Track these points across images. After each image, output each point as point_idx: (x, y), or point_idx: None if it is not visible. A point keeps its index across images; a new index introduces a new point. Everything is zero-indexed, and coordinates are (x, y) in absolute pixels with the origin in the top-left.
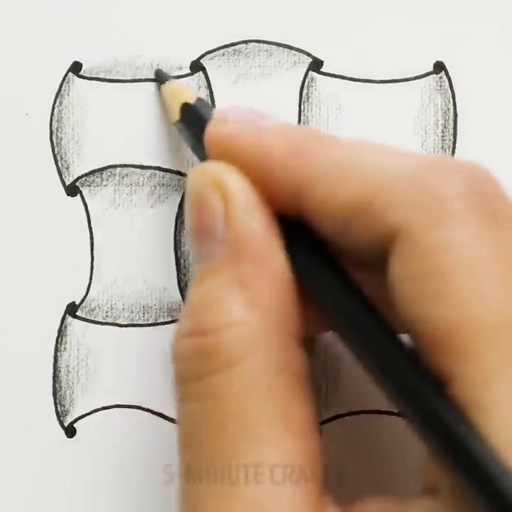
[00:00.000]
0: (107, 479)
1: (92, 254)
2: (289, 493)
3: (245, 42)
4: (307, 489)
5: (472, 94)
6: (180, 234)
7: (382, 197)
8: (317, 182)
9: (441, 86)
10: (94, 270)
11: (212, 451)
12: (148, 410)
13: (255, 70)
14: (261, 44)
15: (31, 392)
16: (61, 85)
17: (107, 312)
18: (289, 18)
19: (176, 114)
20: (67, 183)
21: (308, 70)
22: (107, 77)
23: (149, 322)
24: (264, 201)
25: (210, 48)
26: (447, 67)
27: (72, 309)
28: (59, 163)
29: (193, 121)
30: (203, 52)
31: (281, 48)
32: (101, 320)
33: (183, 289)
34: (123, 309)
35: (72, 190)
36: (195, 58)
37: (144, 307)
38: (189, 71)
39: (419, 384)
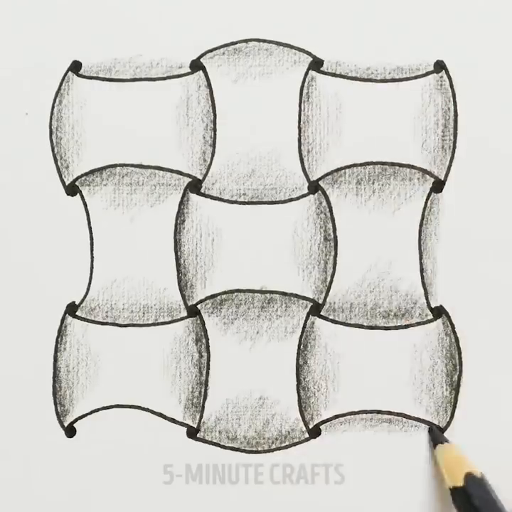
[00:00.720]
0: (106, 479)
1: (92, 254)
2: None
3: (245, 41)
4: None
5: (472, 93)
6: (180, 234)
7: None
8: None
9: (441, 85)
10: (94, 270)
11: None
12: (148, 410)
13: (255, 69)
14: (261, 43)
15: (31, 392)
16: (61, 84)
17: (106, 312)
18: (289, 18)
19: (457, 480)
20: (67, 182)
21: (308, 70)
22: (107, 77)
23: (149, 322)
24: None
25: (210, 47)
26: (448, 67)
27: (72, 309)
28: (59, 163)
29: (477, 493)
30: (203, 51)
31: (281, 47)
32: (101, 320)
33: (183, 289)
34: (123, 309)
35: (72, 189)
36: (195, 57)
37: (143, 307)
38: (189, 70)
39: None
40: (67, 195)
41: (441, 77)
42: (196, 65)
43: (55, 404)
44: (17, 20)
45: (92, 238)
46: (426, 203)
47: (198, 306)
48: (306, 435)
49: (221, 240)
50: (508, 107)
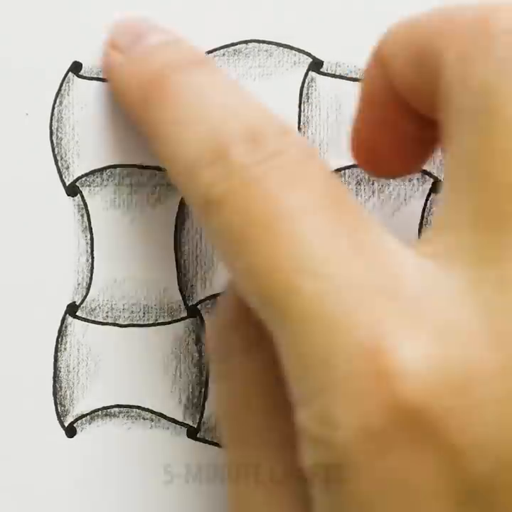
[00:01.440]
0: (106, 479)
1: (92, 254)
2: None
3: (245, 42)
4: None
5: None
6: (180, 234)
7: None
8: None
9: None
10: (94, 270)
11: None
12: (148, 410)
13: (255, 70)
14: (261, 44)
15: (31, 392)
16: (61, 85)
17: (107, 312)
18: (289, 18)
19: None
20: (67, 183)
21: (308, 70)
22: None
23: (149, 322)
24: None
25: (210, 48)
26: None
27: (72, 309)
28: (59, 163)
29: None
30: (202, 51)
31: (281, 48)
32: (101, 320)
33: (183, 289)
34: (123, 309)
35: (72, 190)
36: None
37: (144, 307)
38: None
39: None
40: (68, 195)
41: None
42: None
43: (55, 404)
44: (17, 20)
45: (92, 238)
46: (425, 203)
47: (198, 307)
48: None
49: None
50: None
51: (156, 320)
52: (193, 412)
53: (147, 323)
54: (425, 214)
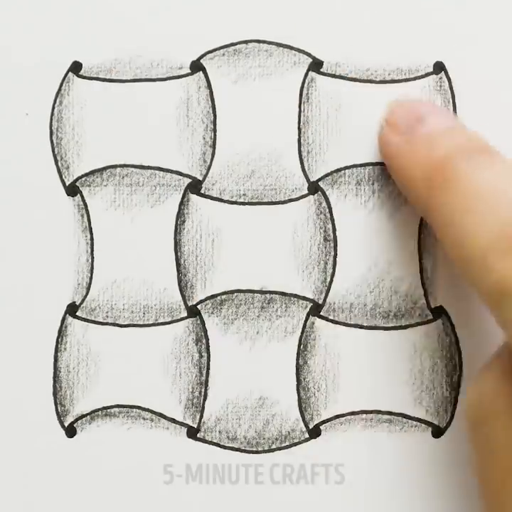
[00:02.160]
0: (106, 479)
1: (92, 254)
2: None
3: (245, 42)
4: None
5: (472, 94)
6: (180, 234)
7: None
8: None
9: (441, 86)
10: (94, 270)
11: None
12: (148, 410)
13: (255, 70)
14: (261, 44)
15: (31, 392)
16: (61, 85)
17: (107, 312)
18: (289, 18)
19: None
20: (67, 183)
21: (308, 70)
22: (107, 77)
23: (149, 322)
24: None
25: (210, 48)
26: (447, 68)
27: (72, 309)
28: (59, 163)
29: None
30: (203, 52)
31: (281, 48)
32: (101, 320)
33: (182, 289)
34: (123, 309)
35: (72, 190)
36: (195, 58)
37: (144, 307)
38: (189, 71)
39: None
40: (68, 195)
41: (441, 78)
42: (196, 66)
43: (55, 404)
44: (17, 20)
45: (92, 238)
46: None
47: (198, 307)
48: (306, 435)
49: (221, 240)
50: (508, 108)
51: (156, 320)
52: (193, 412)
53: (147, 323)
54: None
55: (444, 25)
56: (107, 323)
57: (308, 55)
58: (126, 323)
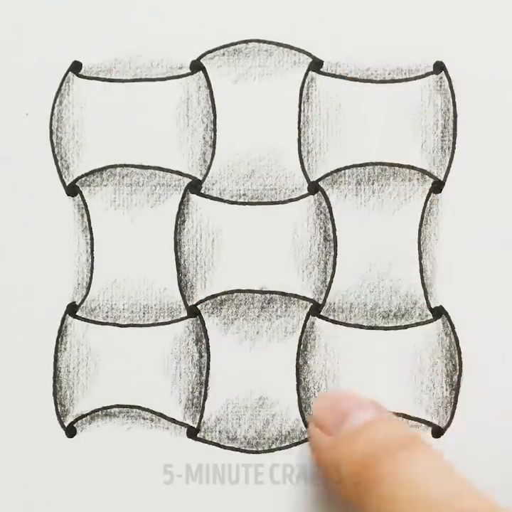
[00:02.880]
0: (106, 479)
1: (92, 254)
2: None
3: (245, 42)
4: None
5: (472, 94)
6: (180, 234)
7: None
8: None
9: (441, 86)
10: (94, 270)
11: None
12: (148, 410)
13: (255, 69)
14: (261, 44)
15: (31, 392)
16: (61, 85)
17: (107, 312)
18: (289, 18)
19: None
20: (67, 183)
21: (308, 70)
22: (107, 77)
23: (149, 322)
24: None
25: (210, 48)
26: (447, 68)
27: (72, 309)
28: (59, 163)
29: None
30: (203, 52)
31: (281, 48)
32: (101, 320)
33: (182, 289)
34: (123, 309)
35: (72, 190)
36: (195, 58)
37: (143, 307)
38: (189, 71)
39: None
40: (68, 195)
41: (441, 78)
42: (196, 66)
43: (55, 404)
44: (17, 20)
45: (92, 238)
46: (425, 203)
47: (198, 307)
48: (306, 435)
49: (221, 240)
50: (508, 108)
51: (156, 320)
52: (193, 412)
53: (147, 323)
54: (425, 214)
55: (444, 25)
56: (107, 323)
57: (309, 54)
58: (126, 323)
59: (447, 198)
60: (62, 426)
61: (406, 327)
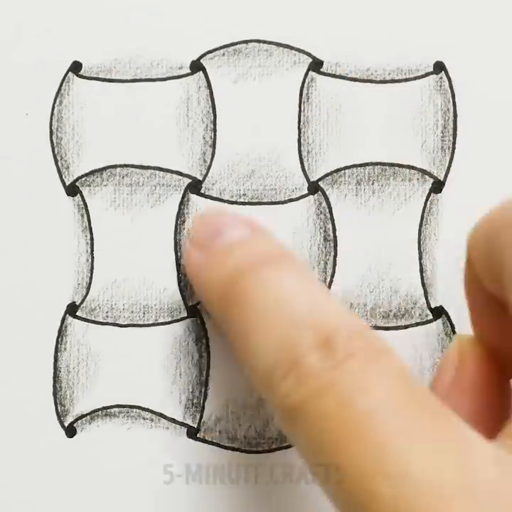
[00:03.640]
0: (106, 479)
1: (92, 254)
2: None
3: (245, 42)
4: None
5: (472, 94)
6: (180, 234)
7: None
8: None
9: (441, 86)
10: (94, 270)
11: None
12: (148, 410)
13: (255, 69)
14: (261, 44)
15: (31, 392)
16: (61, 85)
17: (107, 312)
18: (289, 18)
19: None
20: (67, 183)
21: (308, 70)
22: (107, 77)
23: (149, 322)
24: None
25: (210, 48)
26: (447, 68)
27: (72, 309)
28: (59, 163)
29: None
30: (203, 52)
31: (281, 48)
32: (101, 320)
33: (183, 289)
34: (123, 309)
35: (72, 190)
36: (195, 58)
37: (144, 307)
38: (189, 71)
39: None
40: (68, 195)
41: (441, 78)
42: (196, 66)
43: (55, 404)
44: (17, 20)
45: (92, 238)
46: (425, 203)
47: (198, 307)
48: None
49: None
50: (508, 108)
51: (156, 320)
52: (193, 412)
53: (147, 323)
54: (425, 214)
55: (444, 25)
56: (107, 323)
57: (309, 55)
58: (126, 323)
59: (447, 198)
60: (62, 426)
61: (406, 327)
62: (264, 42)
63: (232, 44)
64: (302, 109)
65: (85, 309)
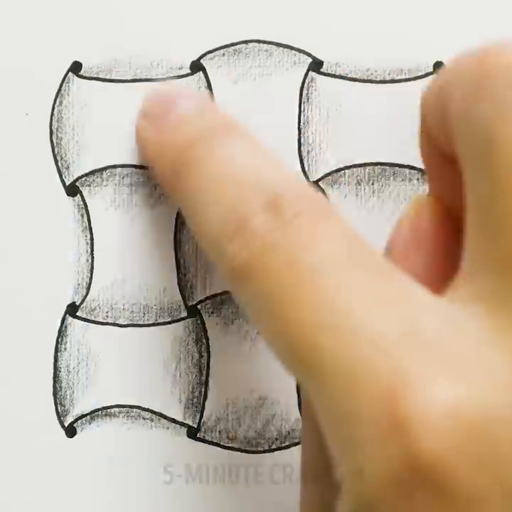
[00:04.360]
0: (107, 479)
1: (92, 254)
2: None
3: (245, 42)
4: None
5: None
6: (181, 234)
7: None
8: None
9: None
10: (94, 270)
11: None
12: (148, 410)
13: (255, 70)
14: (261, 44)
15: (31, 392)
16: (61, 85)
17: (107, 312)
18: (289, 18)
19: None
20: (67, 183)
21: (308, 70)
22: (107, 77)
23: (149, 322)
24: None
25: (210, 48)
26: None
27: (72, 309)
28: (59, 163)
29: None
30: (203, 52)
31: (281, 48)
32: (101, 320)
33: (183, 289)
34: (123, 309)
35: (72, 190)
36: (195, 58)
37: (144, 307)
38: (189, 71)
39: None
40: (68, 195)
41: None
42: (196, 66)
43: (55, 404)
44: (17, 20)
45: (92, 238)
46: None
47: (198, 307)
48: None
49: None
50: None
51: (156, 320)
52: (193, 412)
53: (147, 323)
54: None
55: (444, 25)
56: (107, 323)
57: (309, 55)
58: (126, 323)
59: None
60: (62, 426)
61: None
62: (264, 42)
63: (232, 44)
64: (302, 109)
65: (85, 309)
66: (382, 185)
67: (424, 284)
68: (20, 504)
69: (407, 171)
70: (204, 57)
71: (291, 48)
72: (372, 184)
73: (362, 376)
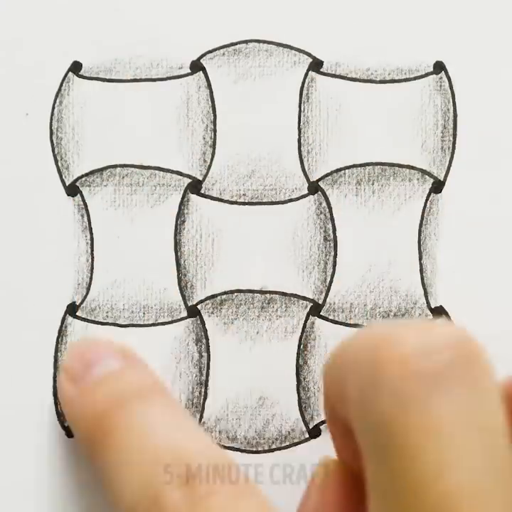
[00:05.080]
0: None
1: (92, 254)
2: None
3: (245, 42)
4: None
5: (472, 94)
6: (180, 234)
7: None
8: None
9: (441, 86)
10: (94, 270)
11: None
12: None
13: (255, 69)
14: (261, 44)
15: (31, 392)
16: (61, 85)
17: (107, 312)
18: (289, 18)
19: None
20: (67, 183)
21: (308, 70)
22: (107, 77)
23: (149, 322)
24: None
25: (210, 48)
26: (447, 67)
27: (72, 309)
28: (59, 163)
29: None
30: (203, 52)
31: (281, 48)
32: (101, 320)
33: (183, 289)
34: (123, 309)
35: (72, 190)
36: (195, 58)
37: (143, 307)
38: (189, 71)
39: None
40: (68, 195)
41: (441, 77)
42: (196, 66)
43: (56, 404)
44: (17, 20)
45: (92, 238)
46: (425, 203)
47: (198, 307)
48: (306, 435)
49: (221, 240)
50: (508, 108)
51: (156, 320)
52: (193, 412)
53: (147, 323)
54: (425, 214)
55: (444, 25)
56: (107, 323)
57: (309, 55)
58: (126, 323)
59: (447, 198)
60: (62, 426)
61: None
62: (264, 42)
63: (232, 44)
64: (302, 109)
65: (85, 309)
66: (382, 185)
67: None
68: (21, 504)
69: (407, 171)
70: (204, 57)
71: (291, 47)
72: (372, 184)
73: None
